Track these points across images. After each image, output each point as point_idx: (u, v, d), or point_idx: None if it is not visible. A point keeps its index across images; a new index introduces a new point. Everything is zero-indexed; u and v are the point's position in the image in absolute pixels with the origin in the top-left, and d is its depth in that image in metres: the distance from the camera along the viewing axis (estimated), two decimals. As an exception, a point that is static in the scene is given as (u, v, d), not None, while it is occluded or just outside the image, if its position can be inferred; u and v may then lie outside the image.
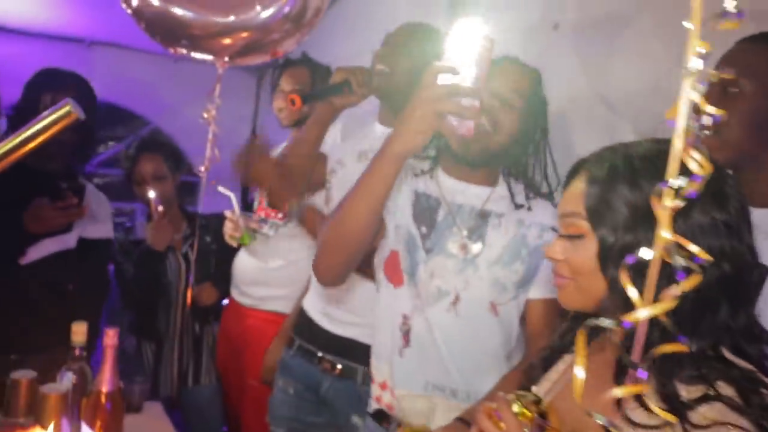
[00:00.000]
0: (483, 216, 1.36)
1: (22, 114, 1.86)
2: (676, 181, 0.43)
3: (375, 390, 1.43)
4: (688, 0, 0.39)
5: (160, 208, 2.15)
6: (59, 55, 3.16)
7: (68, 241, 1.90)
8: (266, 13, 1.46)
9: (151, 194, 2.16)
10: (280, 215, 2.15)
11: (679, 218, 0.74)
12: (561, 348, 1.02)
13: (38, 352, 1.82)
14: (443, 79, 0.99)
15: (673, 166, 0.42)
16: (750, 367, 0.76)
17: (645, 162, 0.81)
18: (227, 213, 2.10)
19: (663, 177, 0.80)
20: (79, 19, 3.08)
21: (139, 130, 3.62)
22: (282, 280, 2.19)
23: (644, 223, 0.78)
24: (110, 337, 1.27)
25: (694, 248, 0.43)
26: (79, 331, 1.32)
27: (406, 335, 1.36)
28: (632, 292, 0.45)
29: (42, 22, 3.08)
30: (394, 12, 2.49)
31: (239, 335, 2.25)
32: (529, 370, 1.06)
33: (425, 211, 1.38)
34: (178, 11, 1.47)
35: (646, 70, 1.60)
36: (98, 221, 1.90)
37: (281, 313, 2.16)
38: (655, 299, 0.45)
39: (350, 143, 1.80)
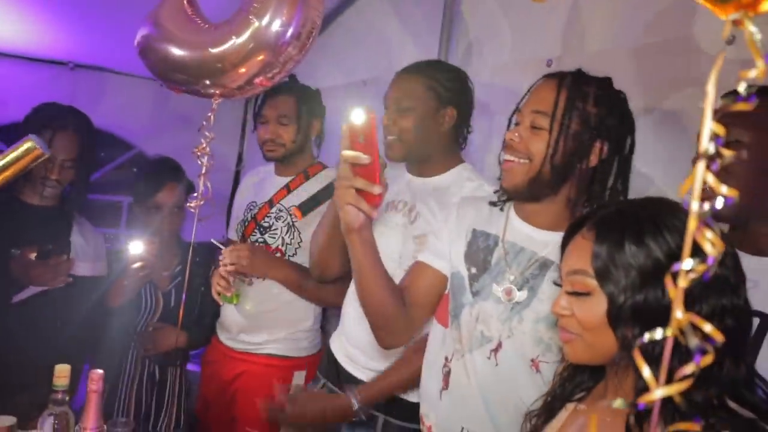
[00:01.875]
0: (543, 266, 1.25)
1: None
2: (690, 262, 0.42)
3: None
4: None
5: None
6: (43, 77, 3.13)
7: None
8: (274, 30, 1.43)
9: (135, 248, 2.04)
10: None
11: None
12: (562, 396, 1.02)
13: (18, 391, 1.77)
14: (345, 161, 1.14)
15: (687, 245, 0.42)
16: (752, 415, 0.78)
17: (651, 223, 0.84)
18: (221, 270, 1.97)
19: (666, 237, 0.83)
20: (62, 42, 3.05)
21: (122, 154, 3.57)
22: (281, 322, 2.10)
23: (653, 282, 0.81)
24: (94, 381, 1.25)
25: (708, 328, 0.42)
26: (62, 374, 1.29)
27: (446, 377, 1.33)
28: (646, 372, 0.44)
29: (25, 44, 3.04)
30: (385, 37, 2.50)
31: (231, 380, 2.14)
32: (531, 419, 1.05)
33: (479, 251, 1.33)
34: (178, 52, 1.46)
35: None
36: (89, 259, 1.85)
37: (282, 356, 2.09)
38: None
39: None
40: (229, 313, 2.16)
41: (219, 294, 1.98)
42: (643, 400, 0.43)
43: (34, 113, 1.90)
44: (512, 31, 1.99)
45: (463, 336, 1.30)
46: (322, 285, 1.90)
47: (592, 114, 1.19)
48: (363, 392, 1.59)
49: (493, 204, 1.37)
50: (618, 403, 0.45)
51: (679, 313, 0.43)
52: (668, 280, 0.43)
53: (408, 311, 1.38)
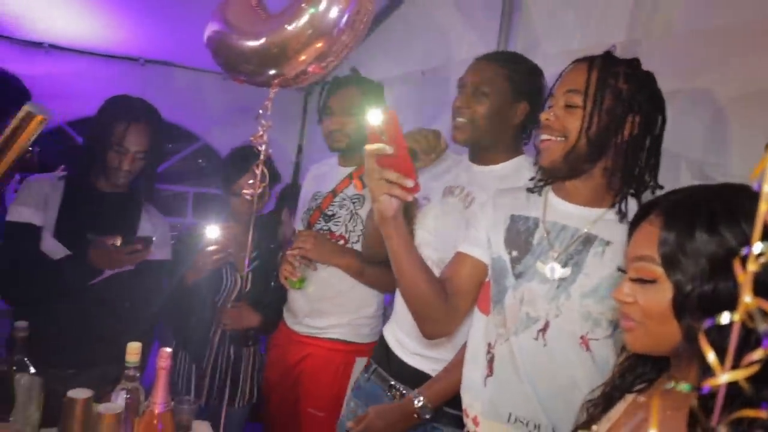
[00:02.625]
0: (587, 241, 1.27)
1: (97, 142, 1.93)
2: (760, 245, 0.41)
3: (469, 425, 1.39)
4: None
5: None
6: (114, 73, 3.29)
7: None
8: (328, 18, 1.44)
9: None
10: None
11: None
12: (622, 386, 0.99)
13: (92, 366, 1.88)
14: (370, 155, 1.15)
15: (758, 229, 0.40)
16: None
17: (726, 211, 0.80)
18: (288, 255, 2.06)
19: (742, 226, 0.80)
20: (133, 39, 3.19)
21: (188, 146, 3.70)
22: (343, 308, 2.15)
23: (723, 272, 0.77)
24: (164, 358, 1.30)
25: (777, 313, 0.41)
26: (133, 352, 1.36)
27: (490, 363, 1.33)
28: (711, 357, 0.43)
29: (98, 41, 3.20)
30: (444, 28, 2.48)
31: (295, 363, 2.21)
32: (589, 408, 1.03)
33: (520, 234, 1.34)
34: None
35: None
36: (156, 244, 1.94)
37: (345, 341, 2.14)
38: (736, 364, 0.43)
39: (439, 180, 1.79)
40: (295, 297, 2.22)
41: (286, 279, 2.07)
42: (709, 383, 0.43)
43: (108, 105, 1.99)
44: (575, 19, 1.94)
45: (507, 319, 1.29)
46: (384, 271, 1.92)
47: (623, 90, 1.23)
48: (427, 391, 1.60)
49: (530, 190, 1.39)
50: (682, 386, 0.44)
51: (747, 298, 0.42)
52: (737, 264, 0.42)
53: (450, 301, 1.38)
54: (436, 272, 1.53)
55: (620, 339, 1.22)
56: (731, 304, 0.78)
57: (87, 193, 1.98)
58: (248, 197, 1.57)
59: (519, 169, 1.66)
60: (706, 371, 0.80)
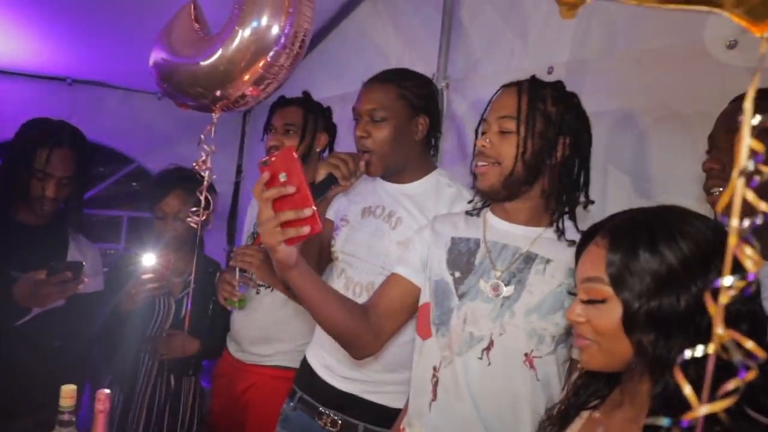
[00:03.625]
0: (528, 259, 1.30)
1: (17, 169, 1.80)
2: (730, 278, 0.41)
3: None
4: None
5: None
6: (41, 93, 3.12)
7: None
8: (272, 34, 1.40)
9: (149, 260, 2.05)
10: None
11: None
12: (576, 404, 1.02)
13: (23, 414, 1.75)
14: (267, 201, 1.12)
15: (727, 263, 0.41)
16: None
17: (665, 230, 0.85)
18: (225, 275, 2.00)
19: (680, 244, 0.83)
20: (60, 58, 3.05)
21: (121, 169, 3.55)
22: (289, 334, 2.09)
23: (667, 288, 0.82)
24: (101, 401, 1.23)
25: (750, 345, 0.42)
26: (68, 395, 1.27)
27: (434, 388, 1.31)
28: (688, 390, 0.43)
29: (23, 61, 3.04)
30: (384, 46, 2.49)
31: (242, 392, 2.15)
32: (546, 427, 1.05)
33: (461, 255, 1.35)
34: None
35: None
36: (87, 275, 1.83)
37: (291, 368, 2.05)
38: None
39: (356, 201, 1.77)
40: (238, 325, 2.16)
41: (225, 300, 2.00)
42: (688, 417, 0.43)
43: (27, 129, 1.87)
44: (513, 39, 1.99)
45: (452, 340, 1.30)
46: None
47: (552, 112, 1.28)
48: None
49: (468, 214, 1.43)
50: (663, 421, 0.44)
51: (720, 330, 0.43)
52: (708, 297, 0.43)
53: (375, 322, 1.38)
54: (366, 297, 1.55)
55: (563, 355, 1.28)
56: (678, 320, 0.82)
57: (7, 226, 1.85)
58: (194, 224, 1.52)
59: (436, 184, 1.68)
60: (656, 388, 0.84)
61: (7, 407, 1.75)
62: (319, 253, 1.80)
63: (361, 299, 1.62)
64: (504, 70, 1.98)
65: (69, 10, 2.58)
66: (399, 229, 1.63)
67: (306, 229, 1.10)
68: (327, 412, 1.67)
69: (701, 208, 1.14)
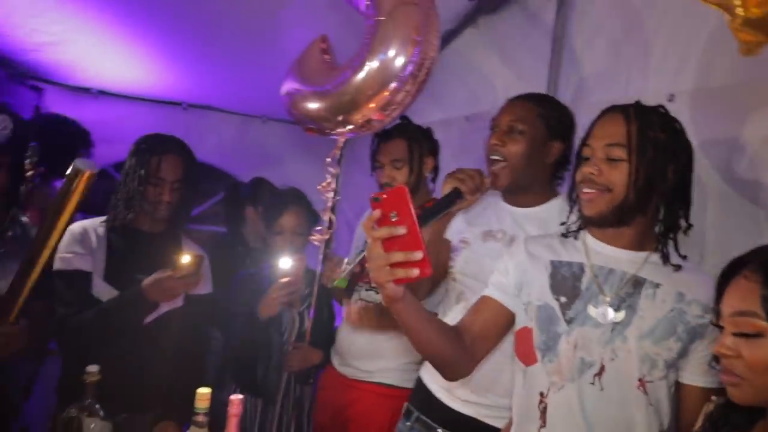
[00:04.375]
0: (636, 284, 1.29)
1: (134, 178, 1.97)
2: None
3: None
4: None
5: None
6: (158, 117, 3.38)
7: (177, 299, 1.96)
8: (398, 65, 1.47)
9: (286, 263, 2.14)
10: None
11: None
12: None
13: (147, 410, 1.87)
14: (377, 240, 1.11)
15: None
16: None
17: None
18: (332, 256, 2.06)
19: None
20: (176, 84, 3.30)
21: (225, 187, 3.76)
22: (395, 351, 2.12)
23: None
24: (235, 406, 1.29)
25: None
26: (203, 398, 1.34)
27: (543, 414, 1.31)
28: None
29: (143, 86, 3.31)
30: (488, 74, 2.52)
31: (344, 407, 2.19)
32: None
33: (566, 279, 1.34)
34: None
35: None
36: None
37: (394, 386, 2.10)
38: None
39: (477, 223, 1.79)
40: (342, 338, 2.22)
41: (329, 278, 2.04)
42: None
43: (139, 143, 2.04)
44: (628, 67, 1.97)
45: (562, 366, 1.29)
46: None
47: (661, 139, 1.26)
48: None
49: (565, 236, 1.41)
50: None
51: None
52: None
53: (471, 344, 1.37)
54: None
55: (672, 379, 1.27)
56: None
57: (130, 234, 2.01)
58: (316, 242, 1.59)
59: (561, 211, 1.64)
60: None
61: (134, 403, 1.88)
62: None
63: None
64: (618, 98, 1.95)
65: (187, 39, 2.79)
66: None
67: (415, 272, 1.09)
68: None
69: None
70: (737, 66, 1.65)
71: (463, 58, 2.76)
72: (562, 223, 1.44)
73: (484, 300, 1.45)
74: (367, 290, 2.19)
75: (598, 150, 1.29)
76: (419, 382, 1.83)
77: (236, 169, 3.62)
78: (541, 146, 1.66)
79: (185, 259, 1.79)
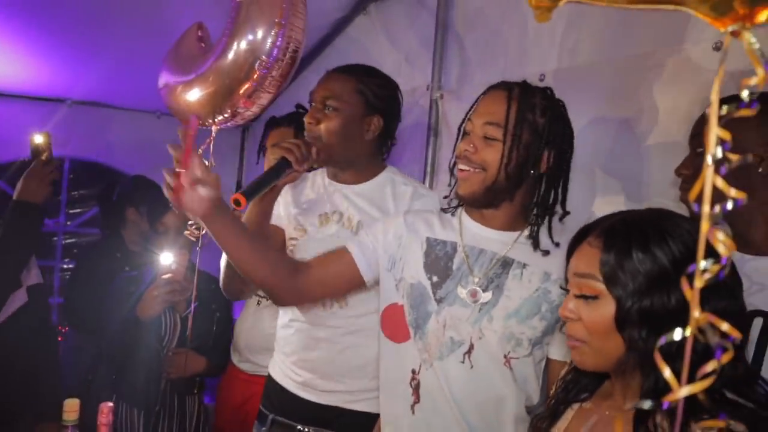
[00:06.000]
0: (505, 264, 1.31)
1: None
2: (704, 263, 0.43)
3: None
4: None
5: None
6: (41, 115, 3.15)
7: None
8: (266, 46, 1.41)
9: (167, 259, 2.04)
10: None
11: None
12: (566, 399, 1.06)
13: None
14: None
15: (701, 248, 0.43)
16: (752, 406, 0.83)
17: (656, 232, 0.90)
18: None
19: (670, 245, 0.86)
20: (57, 80, 3.09)
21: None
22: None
23: (659, 287, 0.86)
24: (104, 414, 1.24)
25: (725, 327, 0.44)
26: (72, 408, 1.28)
27: (416, 390, 1.32)
28: (667, 373, 0.45)
29: (22, 83, 3.08)
30: (378, 61, 2.52)
31: (242, 404, 2.13)
32: (537, 423, 1.09)
33: (439, 259, 1.35)
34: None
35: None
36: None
37: None
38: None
39: (308, 208, 1.71)
40: (240, 334, 2.18)
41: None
42: (669, 398, 0.44)
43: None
44: (506, 49, 2.02)
45: (431, 344, 1.30)
46: None
47: (540, 124, 1.26)
48: None
49: (444, 211, 1.42)
50: (644, 404, 0.45)
51: (696, 313, 0.44)
52: (684, 281, 0.44)
53: (305, 283, 1.37)
54: (336, 309, 1.61)
55: (539, 356, 1.32)
56: (668, 317, 0.84)
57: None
58: (192, 238, 1.53)
59: (391, 182, 1.66)
60: (648, 381, 0.89)
61: None
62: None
63: (332, 310, 1.61)
64: (497, 79, 2.01)
65: (67, 32, 2.62)
66: (361, 234, 1.59)
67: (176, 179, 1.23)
68: (306, 429, 1.63)
69: (682, 209, 1.17)
70: (602, 45, 1.74)
71: (355, 44, 2.75)
72: (445, 197, 1.42)
73: (341, 252, 1.41)
74: None
75: (477, 127, 1.28)
76: (270, 380, 1.74)
77: (129, 167, 3.45)
78: (357, 123, 1.59)
79: None
